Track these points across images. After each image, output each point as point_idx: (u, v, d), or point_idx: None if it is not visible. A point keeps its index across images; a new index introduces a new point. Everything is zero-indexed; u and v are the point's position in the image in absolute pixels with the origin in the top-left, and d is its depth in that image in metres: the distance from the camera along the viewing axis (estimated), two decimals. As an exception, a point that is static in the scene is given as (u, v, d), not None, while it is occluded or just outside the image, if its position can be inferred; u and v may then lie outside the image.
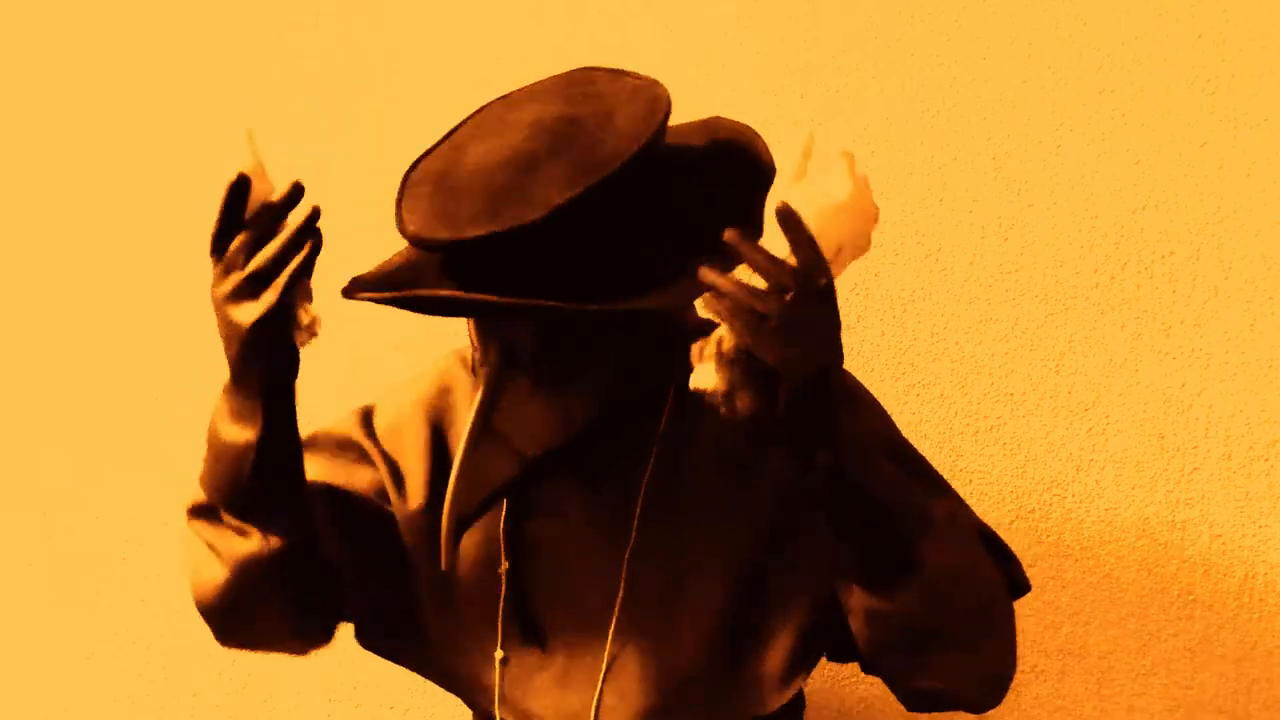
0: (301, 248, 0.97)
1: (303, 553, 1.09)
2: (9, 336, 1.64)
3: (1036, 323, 1.60)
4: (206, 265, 1.64)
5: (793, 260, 0.92)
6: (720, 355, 0.93)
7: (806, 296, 0.91)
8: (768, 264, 0.90)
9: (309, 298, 1.00)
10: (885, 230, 1.60)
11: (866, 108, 1.60)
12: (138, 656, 1.62)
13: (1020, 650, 1.59)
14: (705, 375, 0.93)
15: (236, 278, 0.98)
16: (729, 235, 0.90)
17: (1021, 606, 1.59)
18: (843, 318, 1.60)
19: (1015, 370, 1.59)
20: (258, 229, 0.98)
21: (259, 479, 1.04)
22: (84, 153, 1.65)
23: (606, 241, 1.02)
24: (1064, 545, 1.59)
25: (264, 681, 1.62)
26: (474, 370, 1.12)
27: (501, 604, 1.14)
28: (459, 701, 1.60)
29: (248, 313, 0.98)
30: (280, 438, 1.05)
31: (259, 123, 1.64)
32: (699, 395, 0.95)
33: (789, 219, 0.90)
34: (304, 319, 0.99)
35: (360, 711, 1.61)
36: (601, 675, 1.11)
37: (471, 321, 1.09)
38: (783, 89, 1.61)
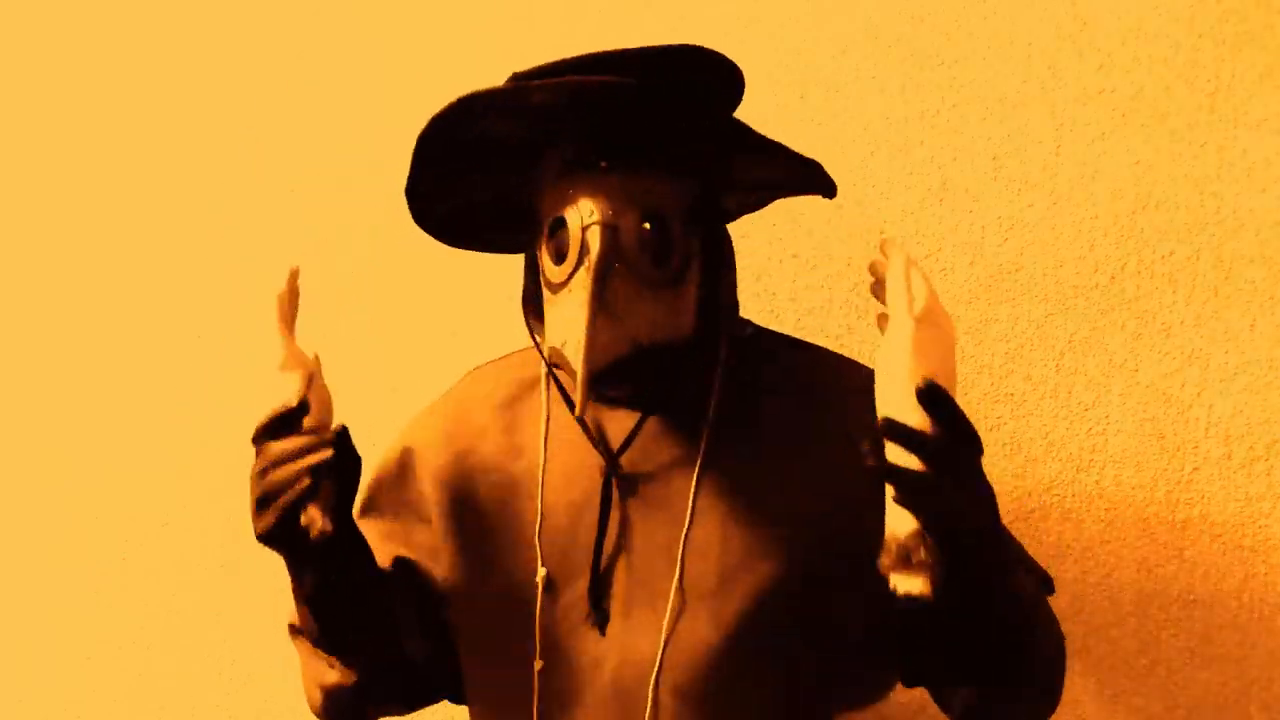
0: (300, 480, 1.02)
1: (384, 678, 1.17)
2: (10, 337, 1.64)
3: (1036, 323, 1.59)
4: (208, 267, 1.65)
5: (934, 430, 0.91)
6: (919, 561, 0.92)
7: (963, 466, 0.93)
8: (923, 448, 0.90)
9: (323, 502, 1.04)
10: (885, 230, 1.60)
11: (866, 108, 1.60)
12: (138, 656, 1.62)
13: (1020, 650, 1.59)
14: (912, 583, 0.92)
15: (254, 490, 1.04)
16: (887, 417, 0.91)
17: (1021, 606, 1.59)
18: (843, 318, 1.61)
19: (1015, 370, 1.59)
20: (279, 434, 1.05)
21: (325, 631, 1.13)
22: (83, 153, 1.65)
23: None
24: (1064, 545, 1.59)
25: (264, 681, 1.62)
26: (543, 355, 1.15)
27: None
28: (459, 701, 1.61)
29: (256, 524, 1.05)
30: (334, 598, 1.11)
31: (259, 123, 1.64)
32: (749, 377, 1.05)
33: (937, 397, 0.91)
34: (305, 521, 1.03)
35: (360, 711, 1.62)
36: (663, 639, 1.10)
37: (573, 204, 1.08)
38: (783, 89, 1.61)
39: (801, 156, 1.12)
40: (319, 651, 1.17)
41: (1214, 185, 1.58)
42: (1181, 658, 1.58)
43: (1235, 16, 1.58)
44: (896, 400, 0.94)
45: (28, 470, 1.63)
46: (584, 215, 1.07)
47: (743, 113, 1.61)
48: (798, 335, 1.60)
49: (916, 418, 0.92)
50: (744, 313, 1.61)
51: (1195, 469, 1.58)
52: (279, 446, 1.03)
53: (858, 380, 1.14)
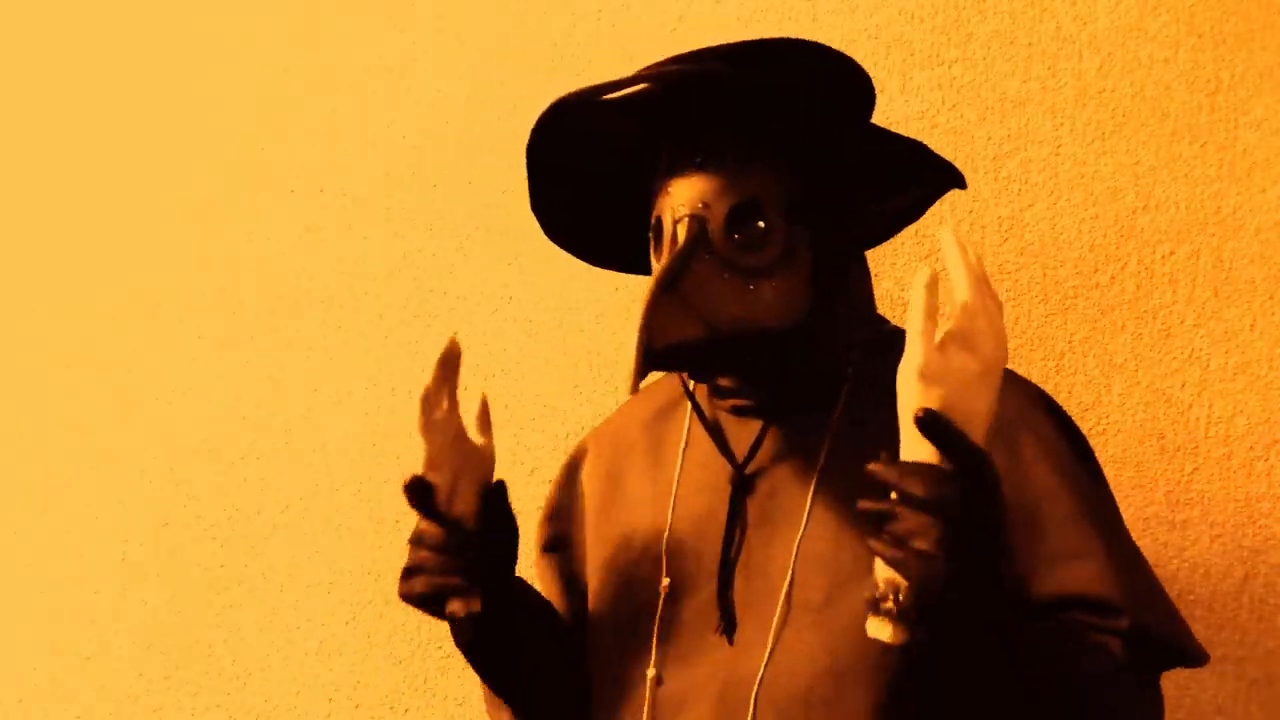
0: (447, 577, 1.06)
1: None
2: (10, 337, 1.64)
3: (1036, 323, 1.59)
4: (208, 267, 1.64)
5: (944, 464, 0.86)
6: (899, 609, 0.88)
7: (970, 511, 0.86)
8: (921, 499, 0.85)
9: (469, 596, 1.07)
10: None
11: (866, 108, 1.60)
12: (138, 656, 1.62)
13: (1020, 650, 1.59)
14: (881, 629, 0.89)
15: (408, 553, 1.08)
16: (874, 469, 0.87)
17: (1021, 606, 1.59)
18: (843, 318, 1.60)
19: (1015, 370, 1.59)
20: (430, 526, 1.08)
21: (499, 691, 1.19)
22: (83, 154, 1.65)
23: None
24: (1064, 545, 1.59)
25: (264, 681, 1.62)
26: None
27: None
28: (458, 701, 1.60)
29: (401, 586, 1.08)
30: (501, 661, 1.17)
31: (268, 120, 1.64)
32: (876, 381, 1.00)
33: (935, 426, 0.85)
34: (450, 610, 1.07)
35: (360, 711, 1.61)
36: (767, 652, 1.08)
37: (667, 192, 1.09)
38: (783, 89, 1.61)
39: (910, 143, 1.12)
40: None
41: (1214, 185, 1.58)
42: (1181, 658, 1.58)
43: (1235, 16, 1.58)
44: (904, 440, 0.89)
45: (28, 470, 1.63)
46: (676, 209, 1.08)
47: (743, 113, 1.61)
48: (798, 335, 1.60)
49: (923, 452, 0.87)
50: (744, 313, 1.61)
51: (1195, 469, 1.58)
52: (427, 529, 1.08)
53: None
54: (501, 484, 1.12)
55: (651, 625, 1.12)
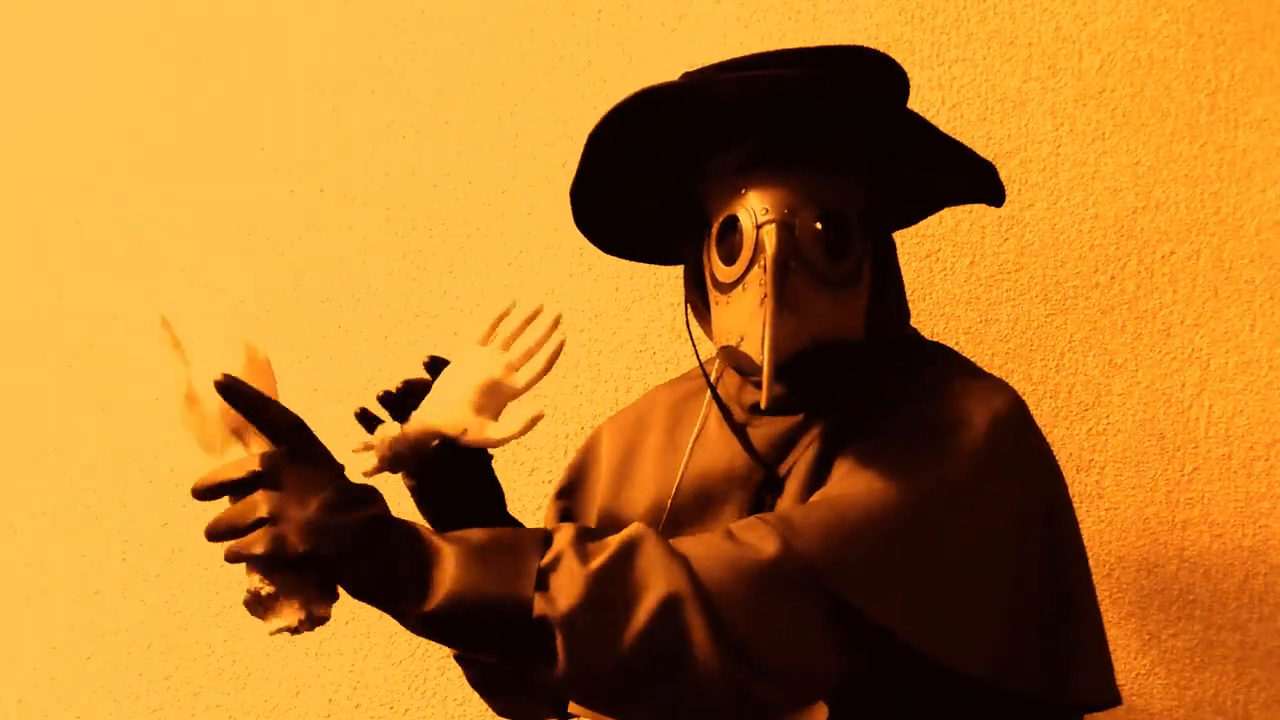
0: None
1: None
2: (10, 337, 1.64)
3: (1036, 323, 1.59)
4: (208, 267, 1.64)
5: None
6: (254, 595, 0.90)
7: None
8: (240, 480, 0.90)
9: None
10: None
11: (866, 108, 1.60)
12: (138, 656, 1.62)
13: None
14: (268, 624, 0.91)
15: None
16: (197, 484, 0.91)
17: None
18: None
19: (1015, 370, 1.59)
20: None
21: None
22: (83, 153, 1.65)
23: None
24: (1064, 545, 1.59)
25: (264, 681, 1.62)
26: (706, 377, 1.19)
27: None
28: (458, 701, 1.60)
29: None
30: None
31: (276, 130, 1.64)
32: (901, 386, 1.05)
33: (231, 393, 0.92)
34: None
35: (360, 712, 1.61)
36: None
37: (749, 201, 1.08)
38: (783, 89, 1.61)
39: (978, 157, 1.12)
40: None
41: (1214, 185, 1.58)
42: (1181, 658, 1.58)
43: (1235, 16, 1.58)
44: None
45: (28, 470, 1.63)
46: (758, 214, 1.07)
47: (743, 113, 1.61)
48: (798, 335, 1.60)
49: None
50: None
51: (1195, 469, 1.58)
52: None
53: (962, 396, 1.11)
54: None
55: None
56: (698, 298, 1.20)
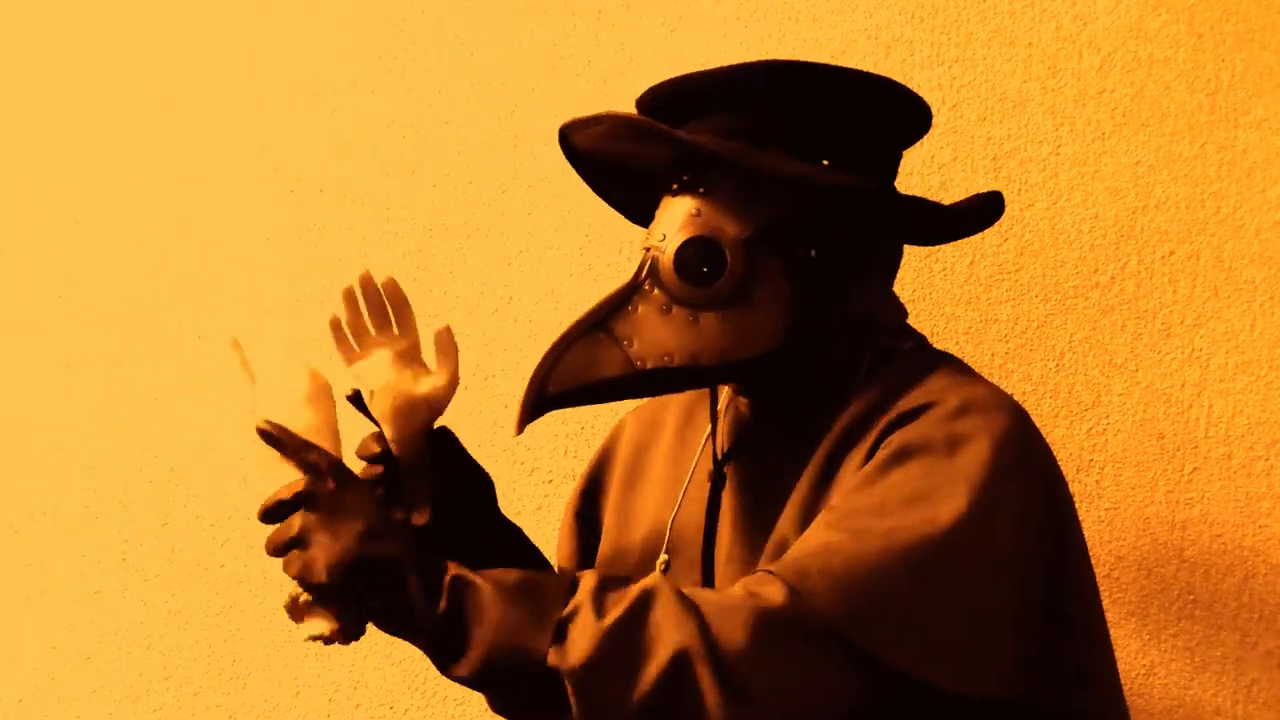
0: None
1: None
2: (10, 337, 1.64)
3: (1036, 323, 1.59)
4: (208, 267, 1.64)
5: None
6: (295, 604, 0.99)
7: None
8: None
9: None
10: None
11: (866, 108, 1.60)
12: (138, 656, 1.62)
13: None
14: (304, 628, 0.98)
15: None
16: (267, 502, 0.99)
17: (1021, 606, 1.59)
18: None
19: (1015, 370, 1.59)
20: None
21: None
22: (83, 153, 1.65)
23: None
24: (1064, 545, 1.59)
25: (264, 681, 1.62)
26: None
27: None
28: (458, 700, 1.60)
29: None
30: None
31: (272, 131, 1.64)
32: (878, 396, 1.08)
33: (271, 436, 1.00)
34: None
35: (360, 712, 1.61)
36: None
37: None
38: (783, 89, 1.61)
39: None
40: None
41: (1214, 185, 1.58)
42: (1181, 658, 1.58)
43: (1235, 16, 1.58)
44: None
45: (28, 470, 1.63)
46: (645, 236, 1.15)
47: (743, 113, 1.61)
48: (798, 335, 1.60)
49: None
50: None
51: (1195, 469, 1.58)
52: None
53: (953, 408, 1.08)
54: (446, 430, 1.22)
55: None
56: None
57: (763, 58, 1.60)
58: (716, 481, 1.19)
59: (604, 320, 1.10)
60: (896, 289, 1.61)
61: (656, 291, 1.11)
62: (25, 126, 1.64)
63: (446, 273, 1.63)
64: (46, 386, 1.63)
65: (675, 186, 1.13)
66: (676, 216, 1.12)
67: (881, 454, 1.04)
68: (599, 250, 1.62)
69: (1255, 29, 1.58)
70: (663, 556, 1.18)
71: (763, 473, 1.17)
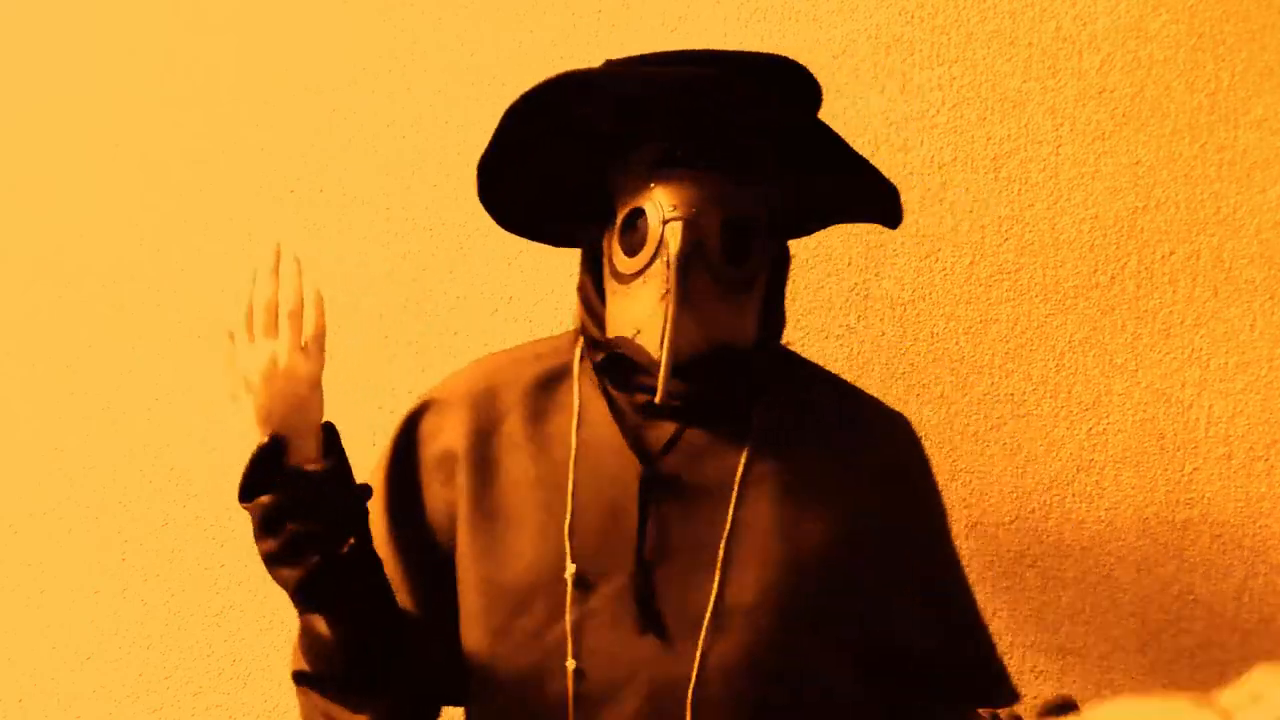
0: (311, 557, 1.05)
1: (413, 708, 1.16)
2: (10, 337, 1.64)
3: (1036, 323, 1.59)
4: (208, 267, 1.64)
5: None
6: None
7: None
8: None
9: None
10: (885, 230, 1.60)
11: (866, 108, 1.60)
12: (138, 656, 1.62)
13: (1020, 650, 1.59)
14: None
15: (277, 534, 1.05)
16: None
17: (1022, 606, 1.59)
18: (843, 318, 1.61)
19: (1015, 370, 1.59)
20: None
21: (350, 669, 1.10)
22: (83, 153, 1.65)
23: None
24: (1064, 545, 1.59)
25: (264, 681, 1.62)
26: (592, 359, 1.16)
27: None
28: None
29: (292, 568, 1.05)
30: (358, 618, 1.08)
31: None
32: (791, 397, 1.12)
33: None
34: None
35: (360, 711, 1.61)
36: (699, 653, 1.08)
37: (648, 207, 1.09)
38: (783, 89, 1.61)
39: (882, 178, 1.14)
40: (339, 698, 1.13)
41: (1214, 185, 1.58)
42: (1181, 658, 1.58)
43: (1235, 16, 1.58)
44: None
45: (28, 470, 1.63)
46: (665, 210, 1.08)
47: (743, 113, 1.61)
48: (798, 335, 1.60)
49: None
50: (744, 313, 1.61)
51: (1195, 469, 1.58)
52: (287, 498, 1.05)
53: (890, 426, 1.22)
54: (331, 425, 1.12)
55: (562, 614, 1.09)
56: (592, 284, 1.18)
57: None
58: (649, 486, 1.11)
59: (685, 292, 1.06)
60: (896, 287, 1.62)
61: (701, 266, 1.07)
62: (25, 126, 1.64)
63: (446, 273, 1.63)
64: (46, 386, 1.63)
65: (700, 162, 1.08)
66: (708, 191, 1.07)
67: (838, 468, 1.16)
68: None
69: (1255, 29, 1.58)
70: (570, 567, 1.09)
71: (693, 475, 1.12)
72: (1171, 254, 1.59)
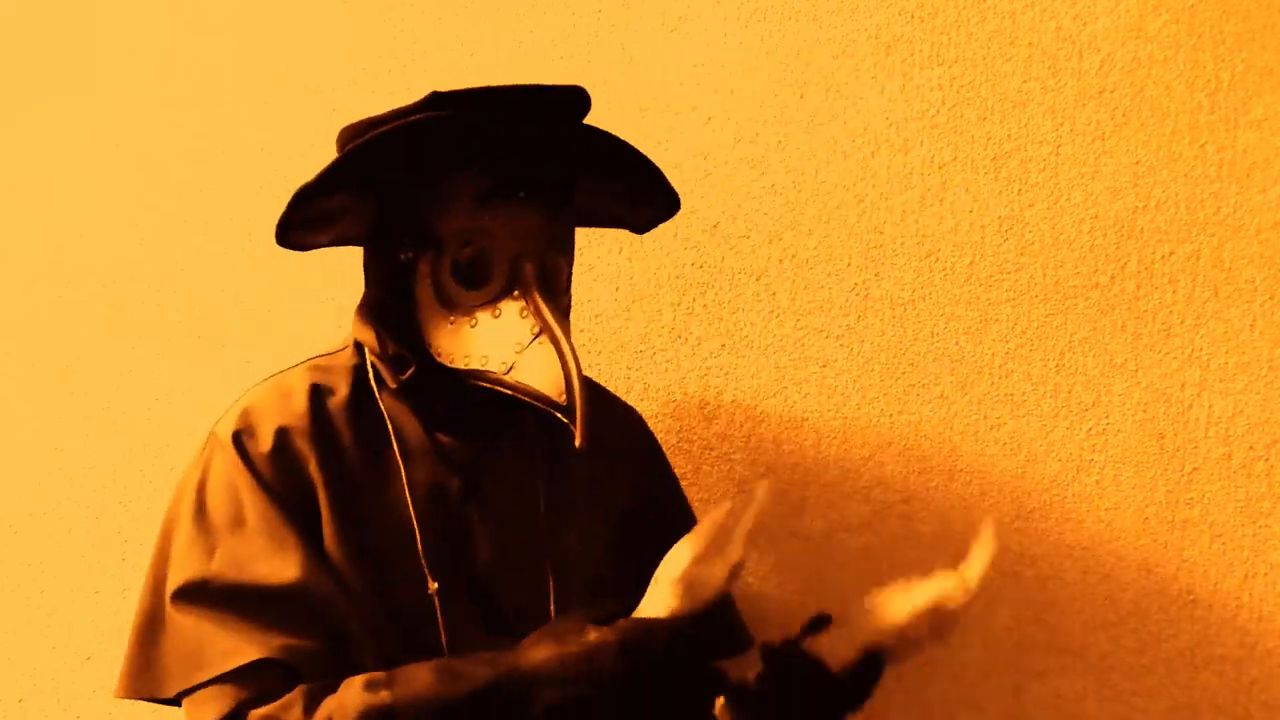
0: None
1: None
2: (10, 337, 1.64)
3: (1036, 323, 1.60)
4: (208, 267, 1.64)
5: None
6: None
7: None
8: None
9: None
10: (885, 230, 1.60)
11: (866, 108, 1.60)
12: (138, 656, 1.62)
13: (1020, 650, 1.59)
14: None
15: None
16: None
17: (1021, 606, 1.59)
18: (842, 318, 1.61)
19: (1015, 370, 1.59)
20: None
21: None
22: (83, 153, 1.65)
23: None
24: (1064, 545, 1.59)
25: (264, 681, 1.62)
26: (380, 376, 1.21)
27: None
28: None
29: None
30: None
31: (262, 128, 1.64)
32: (544, 422, 1.17)
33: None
34: None
35: (360, 711, 1.61)
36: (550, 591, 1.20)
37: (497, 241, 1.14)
38: (783, 89, 1.61)
39: (657, 172, 1.22)
40: None
41: (1214, 185, 1.58)
42: (1181, 658, 1.58)
43: (1235, 16, 1.58)
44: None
45: (28, 470, 1.63)
46: (511, 244, 1.14)
47: (742, 112, 1.61)
48: (797, 335, 1.60)
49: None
50: (744, 313, 1.61)
51: (1195, 469, 1.58)
52: None
53: (636, 418, 1.42)
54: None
55: (436, 628, 1.15)
56: (385, 297, 1.21)
57: (762, 58, 1.61)
58: (468, 504, 1.19)
59: (566, 332, 1.13)
60: (896, 287, 1.62)
61: (552, 301, 1.14)
62: (25, 126, 1.64)
63: (446, 273, 1.63)
64: (46, 386, 1.63)
65: (522, 194, 1.14)
66: (534, 222, 1.14)
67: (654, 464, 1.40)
68: (599, 250, 1.62)
69: (1255, 29, 1.58)
70: (433, 585, 1.15)
71: (501, 492, 1.21)
72: (1171, 254, 1.59)
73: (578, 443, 1.08)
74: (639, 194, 1.26)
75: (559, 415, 1.11)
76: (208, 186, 1.64)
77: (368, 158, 1.15)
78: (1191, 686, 1.58)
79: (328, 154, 1.65)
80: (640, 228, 1.34)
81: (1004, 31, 1.60)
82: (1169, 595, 1.58)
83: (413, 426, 1.20)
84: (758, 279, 1.61)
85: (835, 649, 1.17)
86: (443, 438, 1.20)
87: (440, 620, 1.15)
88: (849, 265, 1.60)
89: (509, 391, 1.13)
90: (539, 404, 1.12)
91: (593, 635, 1.06)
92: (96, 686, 1.62)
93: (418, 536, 1.16)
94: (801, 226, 1.61)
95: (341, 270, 1.63)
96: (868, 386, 1.60)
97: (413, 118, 1.12)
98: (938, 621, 1.18)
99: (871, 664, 1.16)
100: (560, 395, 1.10)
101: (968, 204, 1.60)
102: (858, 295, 1.60)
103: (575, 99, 1.18)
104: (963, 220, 1.60)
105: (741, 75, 1.61)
